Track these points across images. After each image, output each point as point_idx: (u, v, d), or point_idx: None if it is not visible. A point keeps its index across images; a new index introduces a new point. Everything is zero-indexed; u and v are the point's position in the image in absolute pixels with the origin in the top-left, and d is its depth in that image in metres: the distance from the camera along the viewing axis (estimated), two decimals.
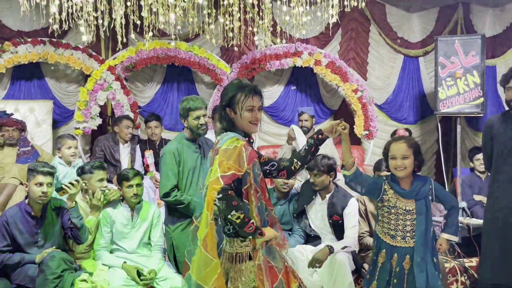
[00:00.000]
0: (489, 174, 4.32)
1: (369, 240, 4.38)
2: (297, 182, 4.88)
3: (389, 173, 4.29)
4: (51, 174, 3.88)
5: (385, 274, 3.31)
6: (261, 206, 2.76)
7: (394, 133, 6.88)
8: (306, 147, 3.03)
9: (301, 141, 5.78)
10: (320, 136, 3.00)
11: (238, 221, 2.60)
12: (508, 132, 3.94)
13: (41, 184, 3.82)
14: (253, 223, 2.63)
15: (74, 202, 3.92)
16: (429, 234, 3.25)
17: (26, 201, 3.92)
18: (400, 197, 3.30)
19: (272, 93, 7.38)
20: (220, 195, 2.59)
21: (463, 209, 5.42)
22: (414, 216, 3.27)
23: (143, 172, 5.89)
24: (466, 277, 4.51)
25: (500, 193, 3.98)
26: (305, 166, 3.12)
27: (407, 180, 3.32)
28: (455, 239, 3.39)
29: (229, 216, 2.61)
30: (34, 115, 6.29)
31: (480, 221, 4.78)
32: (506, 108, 4.10)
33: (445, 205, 3.38)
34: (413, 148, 3.29)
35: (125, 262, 3.99)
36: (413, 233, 3.26)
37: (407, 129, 7.08)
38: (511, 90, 3.91)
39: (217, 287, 2.67)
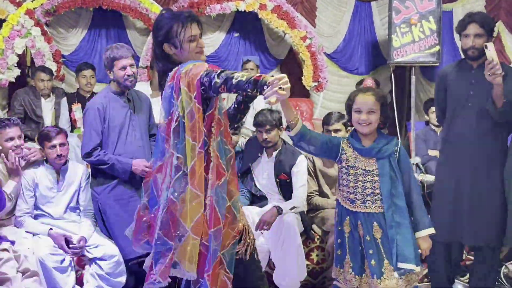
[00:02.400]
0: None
1: (318, 200, 4.45)
2: (241, 138, 4.87)
3: (338, 128, 4.36)
4: None
5: (356, 245, 3.17)
6: (221, 141, 2.70)
7: (360, 83, 6.91)
8: (236, 105, 3.00)
9: None
10: (260, 87, 2.69)
11: (245, 80, 2.45)
12: (463, 83, 3.97)
13: None
14: (260, 75, 2.45)
15: None
16: (398, 198, 3.11)
17: None
18: (359, 156, 3.17)
19: (213, 41, 7.28)
20: (220, 78, 2.50)
21: (417, 164, 5.54)
22: (375, 178, 3.12)
23: (70, 129, 5.78)
24: None
25: (452, 148, 4.05)
26: (235, 125, 3.16)
27: (370, 137, 3.18)
28: (433, 231, 3.20)
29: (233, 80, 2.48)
30: None
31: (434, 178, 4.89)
32: (462, 57, 4.13)
33: (404, 182, 3.16)
34: (381, 102, 3.16)
35: (51, 229, 3.94)
36: (374, 197, 3.12)
37: (375, 80, 7.11)
38: (468, 37, 3.90)
39: (196, 232, 2.62)
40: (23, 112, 5.86)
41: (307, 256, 4.28)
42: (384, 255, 3.09)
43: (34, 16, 6.24)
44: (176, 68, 2.73)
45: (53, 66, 6.28)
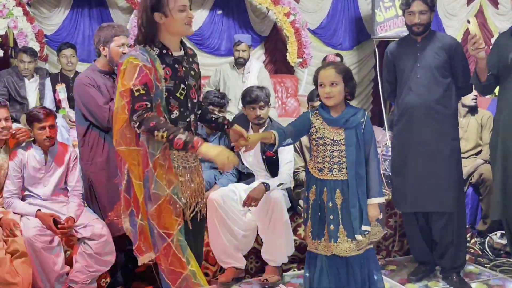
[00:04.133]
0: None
1: (301, 175, 4.47)
2: (228, 115, 4.86)
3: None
4: None
5: (317, 211, 3.29)
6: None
7: (324, 59, 6.91)
8: (213, 121, 3.13)
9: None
10: (224, 124, 3.07)
11: (164, 140, 2.65)
12: (410, 57, 4.05)
13: None
14: (180, 138, 2.62)
15: None
16: (361, 167, 3.21)
17: None
18: (327, 126, 3.25)
19: (196, 19, 7.12)
20: (137, 123, 2.65)
21: None
22: (342, 147, 3.22)
23: (55, 109, 5.74)
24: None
25: (404, 121, 4.11)
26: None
27: (338, 109, 3.25)
28: (382, 200, 3.30)
29: (155, 138, 2.65)
30: None
31: None
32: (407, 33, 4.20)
33: (365, 151, 3.24)
34: (343, 74, 3.21)
35: (39, 210, 3.92)
36: (341, 165, 3.22)
37: (337, 54, 7.11)
38: (412, 14, 3.98)
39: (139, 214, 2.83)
40: (7, 93, 5.78)
41: (294, 231, 4.31)
42: (340, 221, 3.23)
43: None
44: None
45: (36, 46, 6.20)
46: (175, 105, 2.82)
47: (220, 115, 4.42)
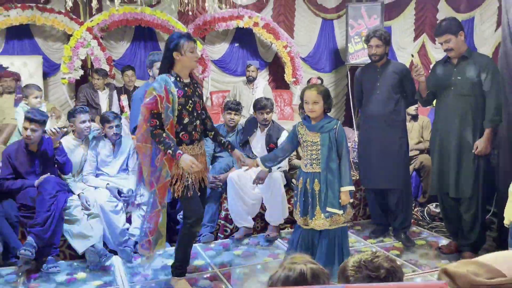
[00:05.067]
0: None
1: (296, 162, 4.46)
2: (242, 118, 4.85)
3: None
4: (36, 121, 3.64)
5: (302, 196, 3.25)
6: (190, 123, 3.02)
7: (309, 81, 6.88)
8: (219, 144, 3.35)
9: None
10: (228, 148, 3.32)
11: (162, 148, 2.88)
12: (372, 78, 4.02)
13: (25, 128, 3.67)
14: (169, 152, 2.86)
15: (58, 143, 3.76)
16: (332, 162, 3.12)
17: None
18: (308, 132, 3.20)
19: (220, 49, 7.21)
20: (150, 134, 2.90)
21: None
22: (318, 147, 3.16)
23: (119, 113, 5.75)
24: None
25: (366, 123, 4.11)
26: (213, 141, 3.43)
27: (317, 119, 3.19)
28: (352, 188, 3.20)
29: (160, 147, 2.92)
30: (27, 68, 5.98)
31: None
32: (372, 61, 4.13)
33: (338, 150, 3.16)
34: (322, 94, 3.15)
35: (108, 184, 3.94)
36: (318, 161, 3.16)
37: (319, 78, 7.07)
38: (371, 47, 3.96)
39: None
40: (85, 101, 5.80)
41: (288, 201, 4.30)
42: (317, 203, 3.18)
43: (93, 32, 6.16)
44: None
45: (106, 68, 6.22)
46: (186, 114, 2.98)
47: (236, 118, 4.45)
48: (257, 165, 3.36)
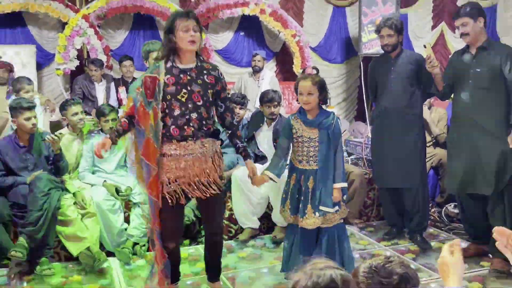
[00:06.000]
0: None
1: None
2: (248, 112, 4.85)
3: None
4: (34, 107, 3.75)
5: (295, 193, 3.18)
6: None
7: (303, 71, 6.81)
8: (233, 146, 3.07)
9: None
10: (241, 155, 3.04)
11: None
12: (386, 70, 4.00)
13: (29, 119, 3.67)
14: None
15: (58, 150, 3.78)
16: (329, 160, 3.09)
17: (15, 132, 3.80)
18: (305, 127, 3.14)
19: (224, 38, 7.19)
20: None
21: None
22: (316, 144, 3.10)
23: (117, 106, 5.76)
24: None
25: (380, 118, 4.08)
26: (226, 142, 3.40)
27: (313, 112, 3.14)
28: (344, 185, 3.16)
29: None
30: (20, 58, 6.00)
31: None
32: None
33: (334, 146, 3.11)
34: (318, 85, 3.11)
35: (105, 181, 3.94)
36: (316, 158, 3.11)
37: (314, 67, 7.01)
38: (383, 38, 3.94)
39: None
40: (81, 93, 5.81)
41: None
42: (309, 201, 3.11)
43: (89, 19, 6.16)
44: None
45: (103, 58, 6.23)
46: (177, 105, 2.72)
47: (241, 112, 4.43)
48: (268, 180, 3.18)
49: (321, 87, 3.13)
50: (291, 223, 3.24)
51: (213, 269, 3.16)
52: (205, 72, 2.82)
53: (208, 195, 2.80)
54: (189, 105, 2.74)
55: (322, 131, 3.10)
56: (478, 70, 3.51)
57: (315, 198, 3.10)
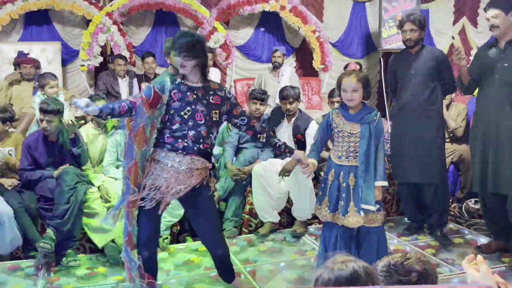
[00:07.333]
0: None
1: (325, 154, 4.43)
2: (268, 108, 4.85)
3: (338, 100, 4.31)
4: (50, 112, 3.70)
5: (334, 190, 3.10)
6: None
7: (346, 66, 6.80)
8: (273, 147, 3.04)
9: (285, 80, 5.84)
10: (285, 152, 3.02)
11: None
12: (407, 66, 3.97)
13: (41, 120, 3.74)
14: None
15: (73, 134, 3.83)
16: (370, 156, 3.02)
17: None
18: (346, 121, 3.07)
19: (244, 34, 7.19)
20: None
21: None
22: (357, 139, 3.03)
23: None
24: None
25: (400, 113, 4.06)
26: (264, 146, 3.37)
27: (356, 108, 3.07)
28: (385, 183, 3.08)
29: None
30: (45, 55, 6.09)
31: None
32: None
33: (375, 143, 3.04)
34: (362, 82, 3.03)
35: None
36: (356, 154, 3.03)
37: (357, 63, 7.00)
38: (405, 32, 3.92)
39: None
40: (105, 89, 5.88)
41: (316, 195, 4.30)
42: (352, 199, 3.04)
43: (113, 17, 6.22)
44: None
45: (126, 54, 6.28)
46: (177, 120, 2.76)
47: (261, 108, 4.43)
48: (314, 166, 3.14)
49: (366, 83, 3.05)
50: (329, 221, 3.13)
51: (226, 272, 3.16)
52: (211, 92, 2.84)
53: (193, 203, 2.86)
54: (190, 123, 2.77)
55: (364, 126, 3.02)
56: (506, 65, 3.44)
57: (357, 196, 3.02)
